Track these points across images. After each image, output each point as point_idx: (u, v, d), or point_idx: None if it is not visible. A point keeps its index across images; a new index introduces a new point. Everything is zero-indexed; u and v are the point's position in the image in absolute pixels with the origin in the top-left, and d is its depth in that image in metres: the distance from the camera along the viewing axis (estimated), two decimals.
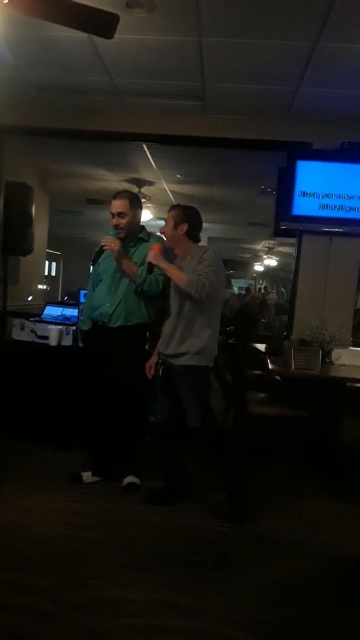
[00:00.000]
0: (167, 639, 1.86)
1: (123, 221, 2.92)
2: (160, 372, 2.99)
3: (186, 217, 2.84)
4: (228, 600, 2.11)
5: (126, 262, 2.90)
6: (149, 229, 3.15)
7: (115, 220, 2.93)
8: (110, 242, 2.88)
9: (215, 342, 2.84)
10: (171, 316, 2.84)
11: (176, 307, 2.80)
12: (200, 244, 2.95)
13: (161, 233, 2.91)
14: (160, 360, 2.96)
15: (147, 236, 3.03)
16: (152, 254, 2.76)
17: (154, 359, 2.98)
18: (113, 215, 2.94)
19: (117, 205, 2.92)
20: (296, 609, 2.10)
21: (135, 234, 3.00)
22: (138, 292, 2.92)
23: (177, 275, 2.71)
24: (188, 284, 2.66)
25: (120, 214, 2.91)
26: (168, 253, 2.87)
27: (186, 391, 2.79)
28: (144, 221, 3.31)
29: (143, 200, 6.52)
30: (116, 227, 2.94)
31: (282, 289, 13.88)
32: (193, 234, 2.87)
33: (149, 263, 2.75)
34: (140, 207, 3.04)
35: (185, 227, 2.83)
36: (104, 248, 2.90)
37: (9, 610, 1.94)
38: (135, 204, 2.98)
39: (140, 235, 3.02)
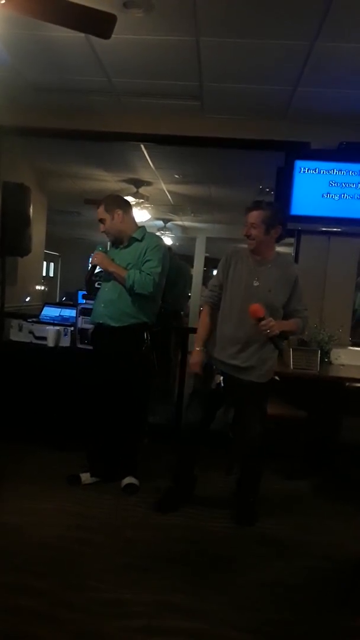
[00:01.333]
0: None
1: (104, 226, 3.01)
2: (221, 383, 2.75)
3: (280, 219, 2.61)
4: (228, 601, 2.11)
5: (114, 269, 2.93)
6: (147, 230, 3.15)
7: (101, 227, 3.04)
8: (96, 257, 2.98)
9: None
10: (239, 322, 2.60)
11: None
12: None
13: (246, 236, 2.64)
14: (216, 368, 2.77)
15: (140, 235, 3.02)
16: (277, 327, 2.49)
17: (200, 357, 2.75)
18: None
19: (98, 211, 3.02)
20: (296, 609, 2.10)
21: (127, 235, 3.01)
22: (133, 294, 2.93)
23: (292, 326, 2.65)
24: (300, 329, 2.71)
25: (100, 220, 3.01)
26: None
27: (254, 405, 2.73)
28: (142, 222, 3.31)
29: (141, 200, 6.52)
30: (103, 232, 3.04)
31: None
32: (282, 236, 2.65)
33: (272, 338, 2.51)
34: (121, 207, 2.99)
35: (279, 230, 2.60)
36: (91, 264, 3.00)
37: (8, 612, 1.93)
38: (112, 205, 2.99)
39: (134, 235, 3.01)
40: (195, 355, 2.78)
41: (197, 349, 2.79)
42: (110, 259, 2.98)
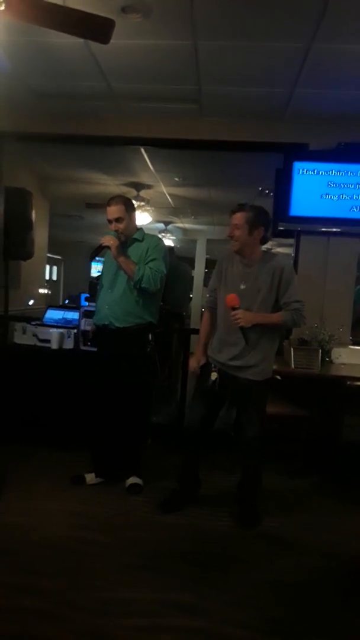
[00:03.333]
0: (172, 639, 1.87)
1: (121, 226, 2.96)
2: (217, 380, 2.77)
3: (262, 220, 2.65)
4: (232, 599, 2.12)
5: (123, 260, 2.93)
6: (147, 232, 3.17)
7: (113, 227, 2.97)
8: (109, 240, 2.93)
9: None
10: (233, 326, 2.61)
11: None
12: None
13: (230, 237, 2.67)
14: (213, 366, 2.79)
15: (140, 236, 3.05)
16: (246, 318, 2.54)
17: (200, 360, 2.82)
18: (110, 221, 2.97)
19: (114, 211, 2.95)
20: (299, 607, 2.11)
21: (131, 236, 3.04)
22: (137, 293, 2.94)
23: (274, 319, 2.62)
24: (286, 324, 2.64)
25: (118, 220, 2.95)
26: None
27: (251, 404, 2.74)
28: (143, 224, 3.33)
29: (142, 203, 6.57)
30: (115, 232, 2.98)
31: None
32: (265, 238, 2.69)
33: (242, 327, 2.55)
34: (134, 210, 3.08)
35: (262, 232, 2.64)
36: (103, 244, 2.94)
37: (14, 612, 1.95)
38: (130, 207, 3.02)
39: (135, 236, 3.04)
40: (195, 359, 2.87)
41: (198, 352, 2.87)
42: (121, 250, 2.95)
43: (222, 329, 2.74)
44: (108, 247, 2.94)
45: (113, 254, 2.94)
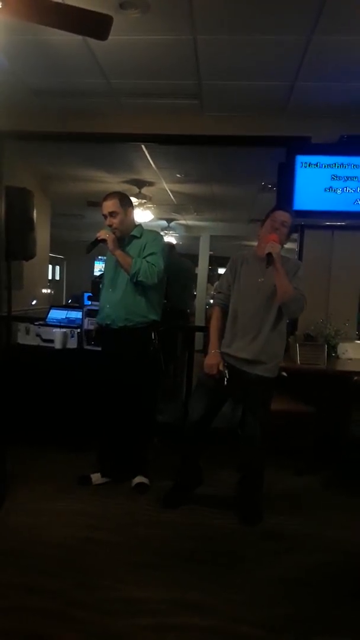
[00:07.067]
0: (180, 637, 1.87)
1: (116, 220, 2.95)
2: (226, 375, 2.72)
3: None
4: (240, 597, 2.11)
5: (120, 253, 2.92)
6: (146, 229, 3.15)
7: (108, 221, 2.97)
8: (105, 233, 2.93)
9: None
10: (248, 317, 2.70)
11: (262, 311, 2.68)
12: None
13: (273, 241, 2.64)
14: (224, 361, 2.75)
15: (138, 233, 3.03)
16: (275, 247, 2.58)
17: (217, 358, 2.74)
18: (105, 216, 2.97)
19: (108, 205, 2.95)
20: (309, 604, 2.10)
21: (129, 233, 3.02)
22: (138, 292, 2.93)
23: (287, 284, 2.58)
24: (294, 298, 2.58)
25: (112, 214, 2.94)
26: None
27: (257, 401, 2.76)
28: (146, 222, 3.31)
29: (144, 201, 6.54)
30: (110, 227, 2.97)
31: None
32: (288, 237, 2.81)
33: (269, 254, 2.56)
34: (131, 206, 3.04)
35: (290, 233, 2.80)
36: (99, 238, 2.94)
37: (23, 612, 1.95)
38: (126, 202, 3.00)
39: (133, 233, 3.02)
40: (212, 357, 2.77)
41: (213, 351, 2.80)
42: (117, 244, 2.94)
43: (242, 319, 2.74)
44: (104, 241, 2.92)
45: (109, 248, 2.92)
